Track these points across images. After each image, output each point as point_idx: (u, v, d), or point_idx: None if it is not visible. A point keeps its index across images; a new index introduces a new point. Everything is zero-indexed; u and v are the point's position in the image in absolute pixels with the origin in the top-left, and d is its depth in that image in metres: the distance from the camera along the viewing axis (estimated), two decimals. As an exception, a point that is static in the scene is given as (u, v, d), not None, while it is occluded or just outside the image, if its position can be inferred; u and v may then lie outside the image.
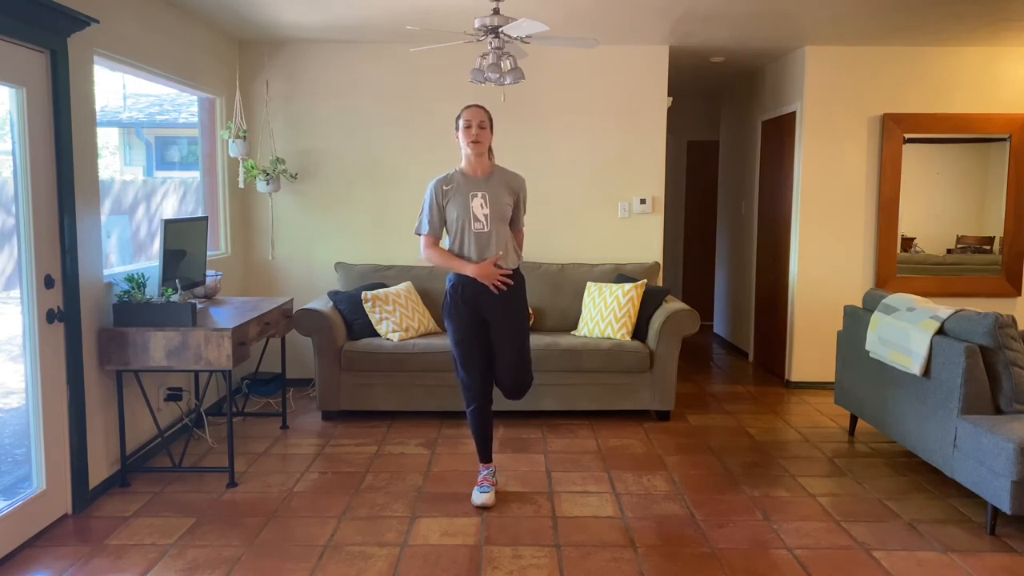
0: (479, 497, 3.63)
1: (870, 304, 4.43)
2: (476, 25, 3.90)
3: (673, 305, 5.07)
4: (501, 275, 3.55)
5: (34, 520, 3.27)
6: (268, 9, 4.68)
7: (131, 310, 3.73)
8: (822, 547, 3.23)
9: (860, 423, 4.76)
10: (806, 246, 5.80)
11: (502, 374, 3.68)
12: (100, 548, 3.19)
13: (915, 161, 5.72)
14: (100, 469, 3.74)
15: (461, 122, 3.55)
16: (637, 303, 5.10)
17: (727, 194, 7.72)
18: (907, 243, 5.82)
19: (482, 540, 3.27)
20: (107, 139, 9.73)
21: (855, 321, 4.54)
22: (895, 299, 4.22)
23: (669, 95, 5.76)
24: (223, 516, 3.51)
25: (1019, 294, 5.77)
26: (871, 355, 4.26)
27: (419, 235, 3.64)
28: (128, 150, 10.18)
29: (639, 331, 5.09)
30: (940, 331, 3.76)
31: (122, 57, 3.99)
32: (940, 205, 5.85)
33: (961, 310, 3.75)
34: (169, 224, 4.04)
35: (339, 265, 5.56)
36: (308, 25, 5.07)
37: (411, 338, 5.02)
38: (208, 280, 4.56)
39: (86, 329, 3.58)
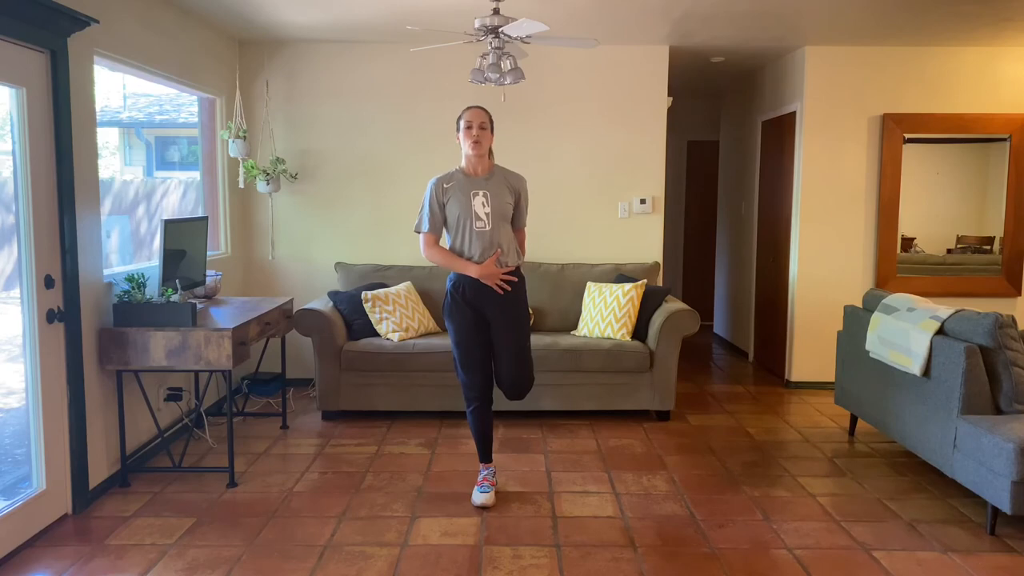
0: (479, 497, 3.63)
1: (870, 304, 4.43)
2: (476, 25, 3.90)
3: (673, 305, 5.07)
4: (503, 274, 3.55)
5: (34, 520, 3.27)
6: (268, 9, 4.68)
7: (131, 310, 3.73)
8: (822, 547, 3.23)
9: (860, 423, 4.76)
10: (806, 246, 5.80)
11: (503, 374, 3.68)
12: (100, 548, 3.19)
13: (915, 161, 5.72)
14: (100, 469, 3.74)
15: (462, 123, 3.56)
16: (637, 303, 5.10)
17: (727, 194, 7.72)
18: (907, 243, 5.82)
19: (482, 540, 3.27)
20: (107, 139, 9.74)
21: (855, 321, 4.54)
22: (895, 299, 4.22)
23: (669, 95, 5.76)
24: (223, 516, 3.51)
25: (1019, 294, 5.77)
26: (871, 355, 4.26)
27: (419, 233, 3.65)
28: (128, 150, 10.19)
29: (639, 331, 5.09)
30: (940, 331, 3.76)
31: (122, 57, 3.99)
32: (940, 205, 5.85)
33: (961, 310, 3.75)
34: (169, 224, 4.04)
35: (339, 265, 5.56)
36: (308, 25, 5.07)
37: (411, 338, 5.02)
38: (208, 280, 4.56)
39: (86, 329, 3.58)
